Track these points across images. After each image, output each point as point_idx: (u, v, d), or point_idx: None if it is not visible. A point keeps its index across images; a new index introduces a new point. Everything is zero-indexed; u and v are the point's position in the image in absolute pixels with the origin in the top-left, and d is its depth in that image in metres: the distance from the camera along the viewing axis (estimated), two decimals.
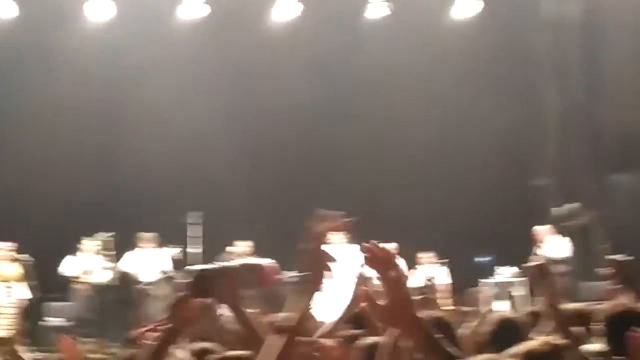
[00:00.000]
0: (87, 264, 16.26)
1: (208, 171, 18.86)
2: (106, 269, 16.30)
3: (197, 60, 19.07)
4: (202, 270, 3.42)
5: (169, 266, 16.51)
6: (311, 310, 2.87)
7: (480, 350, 6.04)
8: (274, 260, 14.14)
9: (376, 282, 3.15)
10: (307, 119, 19.40)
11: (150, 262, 16.65)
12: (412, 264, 16.92)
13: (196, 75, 18.97)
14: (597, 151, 18.85)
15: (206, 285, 3.36)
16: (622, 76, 18.42)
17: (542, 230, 16.91)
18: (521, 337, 5.58)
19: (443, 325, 5.20)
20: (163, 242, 16.72)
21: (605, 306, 5.74)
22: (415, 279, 16.83)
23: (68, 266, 16.22)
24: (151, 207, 17.94)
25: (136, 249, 16.78)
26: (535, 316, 6.51)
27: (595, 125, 18.99)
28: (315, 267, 2.95)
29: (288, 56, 19.23)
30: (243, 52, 19.24)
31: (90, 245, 16.29)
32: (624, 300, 5.68)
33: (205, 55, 19.09)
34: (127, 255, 16.72)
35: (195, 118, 18.83)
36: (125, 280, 16.48)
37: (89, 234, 16.38)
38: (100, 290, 16.35)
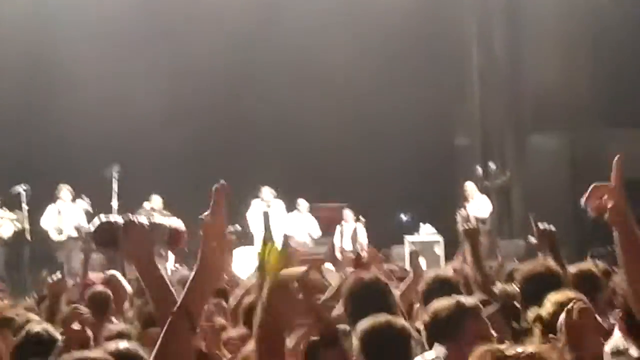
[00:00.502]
0: None
1: (129, 126, 18.58)
2: (12, 221, 16.01)
3: (123, 16, 18.68)
4: (108, 221, 3.23)
5: (82, 220, 16.28)
6: None
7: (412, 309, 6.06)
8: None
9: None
10: (232, 78, 19.20)
11: (67, 216, 16.38)
12: (336, 222, 17.03)
13: (122, 32, 18.61)
14: (517, 112, 19.07)
15: (111, 236, 3.18)
16: (543, 38, 18.61)
17: (471, 187, 16.99)
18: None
19: (381, 287, 5.19)
20: (78, 195, 16.42)
21: (525, 266, 5.81)
22: (339, 237, 17.00)
23: None
24: (72, 161, 17.65)
25: (58, 202, 16.46)
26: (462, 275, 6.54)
27: (515, 87, 19.19)
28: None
29: (215, 18, 18.98)
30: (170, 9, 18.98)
31: None
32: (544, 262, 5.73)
33: (131, 12, 18.71)
34: (48, 209, 16.40)
35: (119, 74, 18.49)
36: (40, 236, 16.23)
37: (5, 188, 16.07)
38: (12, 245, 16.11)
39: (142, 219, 3.16)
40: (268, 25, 19.20)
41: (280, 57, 19.26)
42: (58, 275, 7.06)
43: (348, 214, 17.32)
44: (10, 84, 18.42)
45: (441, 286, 5.79)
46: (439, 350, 3.13)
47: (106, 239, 3.16)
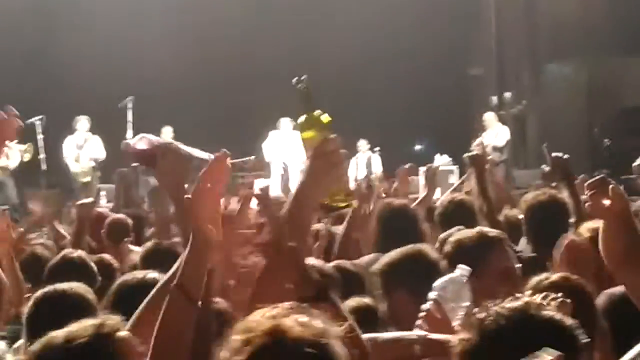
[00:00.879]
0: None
1: (144, 58, 18.59)
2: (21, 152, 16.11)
3: None
4: (148, 140, 3.25)
5: (98, 150, 16.50)
6: None
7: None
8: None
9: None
10: (255, 13, 19.14)
11: (82, 146, 16.56)
12: (351, 152, 16.99)
13: None
14: (533, 41, 18.90)
15: (149, 155, 3.20)
16: None
17: (490, 117, 16.87)
18: (473, 218, 5.64)
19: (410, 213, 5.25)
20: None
21: (529, 194, 5.78)
22: (355, 167, 17.05)
23: None
24: (87, 93, 17.72)
25: (76, 133, 16.60)
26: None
27: (531, 15, 18.99)
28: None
29: None
30: None
31: None
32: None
33: None
34: (66, 140, 16.57)
35: (134, 7, 18.44)
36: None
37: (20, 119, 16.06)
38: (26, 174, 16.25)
39: (181, 146, 3.19)
40: None
41: None
42: (89, 199, 7.15)
43: (362, 143, 17.34)
44: (27, 17, 18.40)
45: (457, 209, 5.84)
46: (464, 268, 3.10)
47: (144, 157, 3.20)
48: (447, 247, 4.18)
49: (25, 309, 3.64)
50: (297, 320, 1.91)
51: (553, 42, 18.53)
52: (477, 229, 4.21)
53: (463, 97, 19.15)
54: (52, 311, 3.47)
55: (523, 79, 18.75)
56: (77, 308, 3.47)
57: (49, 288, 3.70)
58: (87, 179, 16.53)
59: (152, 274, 3.54)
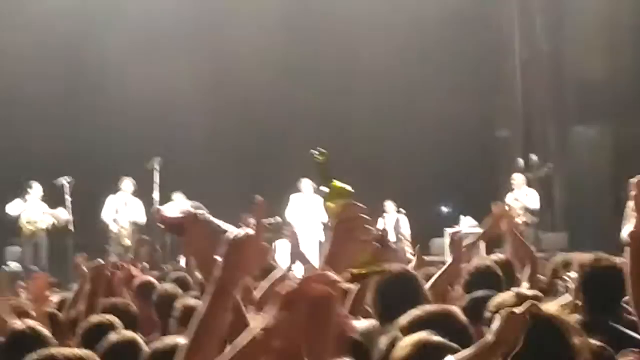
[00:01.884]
0: (33, 208, 16.23)
1: (171, 120, 18.77)
2: (49, 214, 16.26)
3: (165, 11, 18.84)
4: (181, 208, 3.28)
5: (139, 213, 16.59)
6: None
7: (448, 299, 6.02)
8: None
9: None
10: (273, 72, 19.22)
11: (123, 207, 16.63)
12: (377, 213, 17.00)
13: (163, 27, 18.72)
14: (559, 103, 18.91)
15: (179, 224, 3.22)
16: (586, 28, 18.42)
17: (518, 178, 16.80)
18: (499, 286, 5.59)
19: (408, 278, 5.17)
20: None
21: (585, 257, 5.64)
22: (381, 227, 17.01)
23: (14, 208, 16.27)
24: (115, 154, 17.87)
25: (119, 193, 16.75)
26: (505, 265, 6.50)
27: (558, 77, 19.02)
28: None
29: (255, 8, 19.05)
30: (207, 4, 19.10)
31: (37, 190, 16.26)
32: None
33: (174, 8, 18.88)
34: (109, 199, 16.72)
35: (161, 68, 18.63)
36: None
37: (49, 180, 16.27)
38: (56, 235, 16.36)
39: (212, 218, 3.19)
40: (307, 15, 19.22)
41: (319, 51, 19.28)
42: (100, 260, 7.13)
43: (390, 205, 17.33)
44: (55, 77, 18.58)
45: (484, 276, 5.79)
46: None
47: (173, 225, 3.21)
48: (487, 313, 4.14)
49: None
50: None
51: (579, 105, 18.52)
52: (515, 290, 4.18)
53: (489, 159, 19.12)
54: None
55: (549, 141, 18.71)
56: None
57: None
58: (127, 242, 16.52)
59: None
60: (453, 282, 6.20)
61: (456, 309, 4.04)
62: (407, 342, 3.48)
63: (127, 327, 4.98)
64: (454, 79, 18.76)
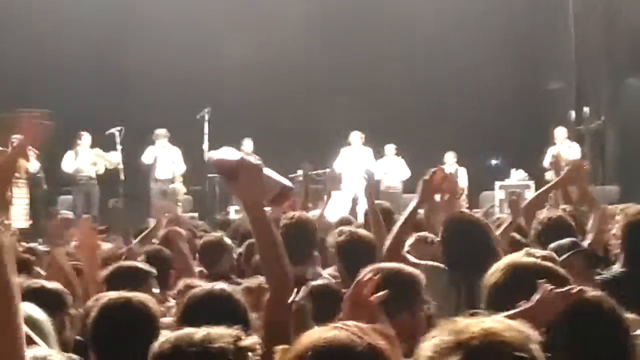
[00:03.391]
0: (85, 158, 16.45)
1: (221, 70, 18.83)
2: (101, 156, 16.51)
3: None
4: (230, 152, 3.34)
5: (179, 164, 16.78)
6: None
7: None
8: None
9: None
10: (320, 26, 19.21)
11: (164, 158, 16.83)
12: (432, 165, 16.97)
13: None
14: (612, 56, 18.61)
15: (229, 168, 3.28)
16: None
17: (560, 133, 16.79)
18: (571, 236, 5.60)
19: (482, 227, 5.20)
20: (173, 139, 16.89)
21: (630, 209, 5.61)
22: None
23: (68, 162, 16.53)
24: (165, 105, 17.99)
25: (156, 144, 16.99)
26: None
27: (611, 30, 18.71)
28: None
29: None
30: None
31: (87, 140, 16.50)
32: None
33: None
34: (148, 150, 16.96)
35: (210, 18, 18.67)
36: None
37: (101, 129, 16.45)
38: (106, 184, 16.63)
39: (261, 163, 3.26)
40: None
41: (363, 9, 19.21)
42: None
43: (450, 156, 17.35)
44: (103, 29, 18.72)
45: (557, 226, 5.77)
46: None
47: (225, 169, 3.27)
48: None
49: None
50: (506, 324, 1.96)
51: (632, 57, 18.23)
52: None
53: (541, 111, 18.95)
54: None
55: (602, 93, 18.47)
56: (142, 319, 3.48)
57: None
58: (181, 197, 16.88)
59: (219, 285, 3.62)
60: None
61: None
62: (495, 268, 3.41)
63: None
64: (507, 32, 18.62)
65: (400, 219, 5.41)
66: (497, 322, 1.96)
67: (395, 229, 5.32)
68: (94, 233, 5.86)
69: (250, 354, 2.41)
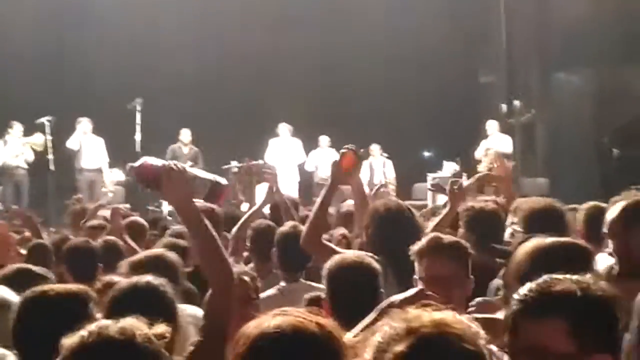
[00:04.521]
0: (14, 148, 16.23)
1: (152, 59, 18.67)
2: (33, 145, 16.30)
3: None
4: (150, 163, 3.43)
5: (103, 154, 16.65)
6: None
7: None
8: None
9: None
10: (257, 16, 19.12)
11: (89, 148, 16.65)
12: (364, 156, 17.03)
13: None
14: (543, 49, 18.85)
15: (153, 177, 3.37)
16: None
17: (492, 125, 17.10)
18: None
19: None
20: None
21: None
22: (368, 171, 17.17)
23: None
24: (96, 95, 17.81)
25: (82, 134, 16.74)
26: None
27: (542, 23, 18.94)
28: None
29: None
30: None
31: (17, 130, 16.32)
32: None
33: None
34: (73, 136, 16.67)
35: (143, 6, 18.48)
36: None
37: (30, 119, 16.23)
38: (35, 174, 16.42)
39: (184, 166, 3.36)
40: None
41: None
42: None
43: (376, 148, 17.45)
44: (39, 19, 18.47)
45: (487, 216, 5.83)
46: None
47: (148, 178, 3.33)
48: None
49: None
50: (457, 318, 2.01)
51: (563, 51, 18.48)
52: None
53: (472, 104, 19.15)
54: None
55: (532, 87, 18.71)
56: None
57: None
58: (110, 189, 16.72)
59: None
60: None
61: None
62: (521, 251, 3.45)
63: None
64: (439, 25, 18.72)
65: (315, 206, 5.40)
66: (449, 315, 2.01)
67: (310, 216, 5.33)
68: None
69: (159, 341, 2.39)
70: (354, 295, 3.71)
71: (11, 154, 16.26)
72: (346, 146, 5.55)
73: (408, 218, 5.19)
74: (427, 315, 1.99)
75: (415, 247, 4.05)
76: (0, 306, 3.42)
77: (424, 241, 4.08)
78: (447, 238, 4.18)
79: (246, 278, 4.31)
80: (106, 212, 8.80)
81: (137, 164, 3.49)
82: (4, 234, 5.54)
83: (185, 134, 16.98)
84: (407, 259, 4.10)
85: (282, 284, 5.71)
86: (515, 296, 2.35)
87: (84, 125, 16.64)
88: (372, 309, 3.21)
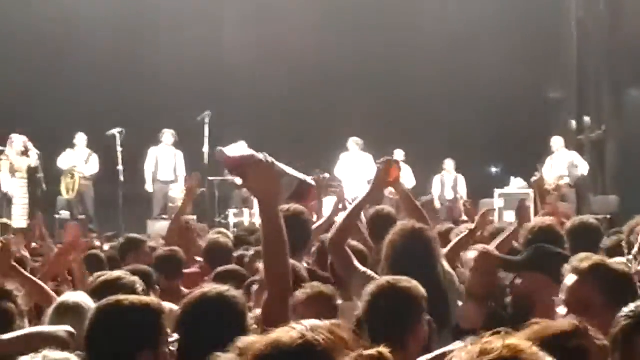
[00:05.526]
0: (79, 158, 16.51)
1: (222, 73, 18.87)
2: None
3: None
4: (242, 151, 3.36)
5: (181, 165, 16.81)
6: None
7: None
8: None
9: None
10: (324, 29, 19.19)
11: (166, 160, 16.83)
12: (432, 171, 17.11)
13: None
14: (615, 65, 18.62)
15: (242, 166, 3.30)
16: None
17: (557, 142, 16.84)
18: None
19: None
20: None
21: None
22: (439, 186, 17.16)
23: (63, 160, 16.66)
24: (166, 108, 18.04)
25: (160, 145, 17.01)
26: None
27: (614, 39, 18.71)
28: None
29: None
30: None
31: (82, 140, 16.61)
32: None
33: None
34: (150, 154, 17.00)
35: (214, 21, 18.69)
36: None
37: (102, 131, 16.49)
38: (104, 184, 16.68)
39: (273, 160, 3.27)
40: None
41: (371, 8, 19.17)
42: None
43: (449, 163, 17.38)
44: (109, 33, 18.74)
45: (545, 235, 5.70)
46: None
47: (235, 165, 3.29)
48: None
49: None
50: (528, 344, 2.05)
51: (634, 67, 18.23)
52: None
53: (541, 120, 18.99)
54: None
55: (603, 103, 18.48)
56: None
57: None
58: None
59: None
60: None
61: None
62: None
63: None
64: (510, 40, 18.62)
65: (347, 211, 5.37)
66: (521, 340, 2.06)
67: (340, 220, 5.30)
68: (82, 236, 6.01)
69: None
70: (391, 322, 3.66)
71: (76, 164, 16.58)
72: (388, 158, 5.58)
73: (422, 247, 4.92)
74: (500, 341, 2.01)
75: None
76: (76, 311, 3.46)
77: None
78: None
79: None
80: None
81: (227, 149, 3.38)
82: (77, 236, 5.63)
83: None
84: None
85: None
86: (623, 313, 2.43)
87: (169, 135, 16.82)
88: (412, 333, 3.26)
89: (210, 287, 3.55)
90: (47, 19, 18.38)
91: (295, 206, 5.66)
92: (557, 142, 16.85)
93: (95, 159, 16.83)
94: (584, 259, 3.46)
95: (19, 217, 15.33)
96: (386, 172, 5.39)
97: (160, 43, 18.57)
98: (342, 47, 19.20)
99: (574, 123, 18.37)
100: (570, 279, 3.33)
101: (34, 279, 4.85)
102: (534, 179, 8.90)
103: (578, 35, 18.99)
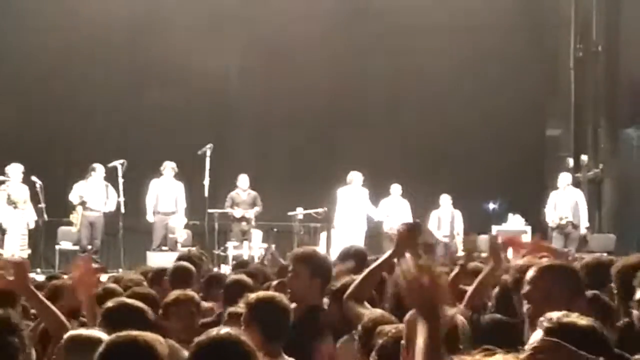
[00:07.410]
0: (94, 190, 16.51)
1: (222, 108, 19.00)
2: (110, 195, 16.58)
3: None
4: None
5: (182, 197, 16.84)
6: None
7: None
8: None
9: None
10: (326, 61, 19.28)
11: (167, 192, 16.88)
12: (429, 207, 17.14)
13: (217, 9, 18.90)
14: (612, 104, 18.77)
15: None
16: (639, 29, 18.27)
17: (565, 178, 16.86)
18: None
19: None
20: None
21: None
22: (436, 222, 17.12)
23: (76, 193, 16.54)
24: (168, 140, 18.13)
25: (161, 178, 17.03)
26: None
27: (611, 78, 18.87)
28: None
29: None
30: None
31: (100, 172, 16.53)
32: None
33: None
34: (151, 186, 16.99)
35: (214, 52, 18.77)
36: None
37: (104, 162, 16.55)
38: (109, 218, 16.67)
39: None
40: (362, 13, 19.22)
41: (374, 51, 19.29)
42: None
43: (445, 199, 17.35)
44: (109, 65, 18.85)
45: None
46: None
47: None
48: None
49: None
50: None
51: (632, 106, 18.39)
52: None
53: (539, 157, 19.10)
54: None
55: (600, 142, 18.61)
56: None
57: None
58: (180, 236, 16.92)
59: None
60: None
61: None
62: None
63: None
64: (507, 77, 18.74)
65: (370, 267, 5.27)
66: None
67: (362, 275, 5.20)
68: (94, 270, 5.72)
69: None
70: None
71: (92, 195, 16.49)
72: (410, 222, 5.45)
73: None
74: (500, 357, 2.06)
75: None
76: (94, 344, 3.50)
77: None
78: None
79: None
80: None
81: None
82: (90, 269, 5.44)
83: (243, 180, 17.11)
84: None
85: None
86: None
87: (170, 167, 16.86)
88: None
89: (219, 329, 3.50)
90: (45, 49, 18.47)
91: None
92: (564, 179, 16.85)
93: (113, 194, 16.71)
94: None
95: (19, 247, 15.41)
96: (407, 235, 5.19)
97: (162, 78, 18.64)
98: (343, 85, 19.29)
99: (570, 161, 18.47)
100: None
101: (48, 303, 4.75)
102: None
103: (575, 74, 19.14)
